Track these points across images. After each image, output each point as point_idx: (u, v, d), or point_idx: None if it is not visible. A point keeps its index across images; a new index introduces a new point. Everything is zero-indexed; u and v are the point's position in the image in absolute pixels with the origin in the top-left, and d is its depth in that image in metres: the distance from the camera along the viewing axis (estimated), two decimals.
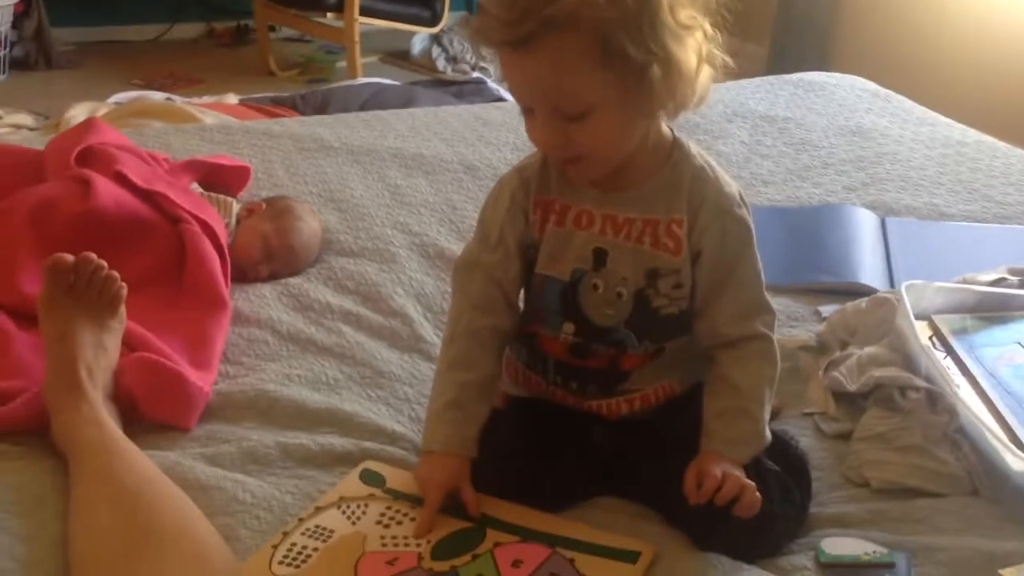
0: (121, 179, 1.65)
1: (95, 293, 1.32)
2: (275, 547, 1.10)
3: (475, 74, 4.22)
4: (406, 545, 1.11)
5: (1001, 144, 2.33)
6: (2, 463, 1.22)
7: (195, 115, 2.83)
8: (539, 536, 1.13)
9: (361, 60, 4.18)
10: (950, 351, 1.41)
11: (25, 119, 3.47)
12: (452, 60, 4.47)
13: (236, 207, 1.79)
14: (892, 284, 1.70)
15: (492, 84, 3.85)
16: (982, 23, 3.43)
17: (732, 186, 1.17)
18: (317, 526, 1.14)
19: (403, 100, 3.21)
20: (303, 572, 1.08)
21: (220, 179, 1.88)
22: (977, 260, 1.68)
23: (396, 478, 1.21)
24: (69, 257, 1.31)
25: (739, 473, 1.11)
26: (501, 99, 3.43)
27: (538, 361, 1.24)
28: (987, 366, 1.37)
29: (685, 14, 1.04)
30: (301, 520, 1.15)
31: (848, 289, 1.67)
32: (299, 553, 1.10)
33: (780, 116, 2.46)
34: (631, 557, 1.10)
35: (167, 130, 2.29)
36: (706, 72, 1.08)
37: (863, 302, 1.52)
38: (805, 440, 1.31)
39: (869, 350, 1.41)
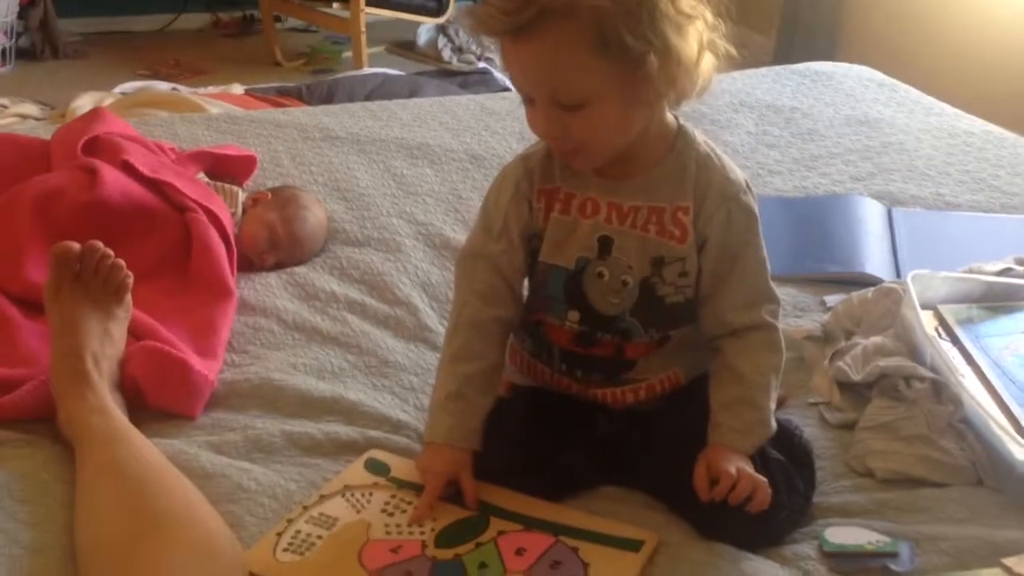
0: (128, 168, 1.65)
1: (101, 282, 1.32)
2: (279, 534, 1.11)
3: (481, 64, 4.20)
4: (410, 533, 1.12)
5: (1008, 134, 2.32)
6: (9, 451, 1.22)
7: (201, 105, 2.82)
8: (543, 524, 1.13)
9: (367, 50, 4.16)
10: (955, 341, 1.41)
11: (31, 109, 3.47)
12: (458, 50, 4.45)
13: (242, 196, 1.79)
14: (898, 274, 1.69)
15: (498, 74, 3.83)
16: (990, 13, 3.42)
17: (738, 173, 1.17)
18: (321, 514, 1.14)
19: (409, 90, 3.20)
20: (307, 559, 1.08)
21: (226, 168, 1.89)
22: (983, 250, 1.68)
23: (401, 467, 1.21)
24: (75, 245, 1.32)
25: (751, 469, 1.11)
26: (507, 89, 3.41)
27: (543, 350, 1.24)
28: (992, 356, 1.37)
29: (686, 3, 1.04)
30: (305, 508, 1.15)
31: (854, 279, 1.67)
32: (303, 540, 1.10)
33: (787, 106, 2.45)
34: (634, 546, 1.10)
35: (173, 119, 2.29)
36: (708, 61, 1.08)
37: (869, 292, 1.52)
38: (809, 429, 1.31)
39: (874, 340, 1.41)
